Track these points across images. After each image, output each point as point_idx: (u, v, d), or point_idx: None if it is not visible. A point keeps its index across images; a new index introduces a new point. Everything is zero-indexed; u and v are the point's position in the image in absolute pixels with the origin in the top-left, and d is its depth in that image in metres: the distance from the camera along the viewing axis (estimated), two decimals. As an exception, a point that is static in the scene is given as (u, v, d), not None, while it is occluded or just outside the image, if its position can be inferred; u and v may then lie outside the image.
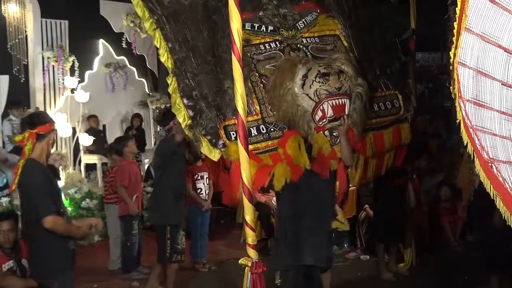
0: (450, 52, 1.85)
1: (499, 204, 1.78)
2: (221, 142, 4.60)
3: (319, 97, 4.64)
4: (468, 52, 1.78)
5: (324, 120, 4.69)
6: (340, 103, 4.67)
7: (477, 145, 1.75)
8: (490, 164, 1.75)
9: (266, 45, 5.09)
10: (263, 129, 4.77)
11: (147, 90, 11.52)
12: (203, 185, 7.02)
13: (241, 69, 3.71)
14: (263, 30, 5.15)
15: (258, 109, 4.81)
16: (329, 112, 4.65)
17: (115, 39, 10.96)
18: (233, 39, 3.65)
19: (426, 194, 7.73)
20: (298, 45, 5.15)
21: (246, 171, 3.72)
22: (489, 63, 1.79)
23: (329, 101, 4.63)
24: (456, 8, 1.79)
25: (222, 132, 4.61)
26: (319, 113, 4.67)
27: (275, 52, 5.08)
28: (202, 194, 6.99)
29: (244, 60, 4.73)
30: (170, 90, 4.71)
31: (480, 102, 1.77)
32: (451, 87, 1.87)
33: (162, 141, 6.41)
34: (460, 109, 1.78)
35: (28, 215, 3.92)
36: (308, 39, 5.25)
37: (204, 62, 4.76)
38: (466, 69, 1.78)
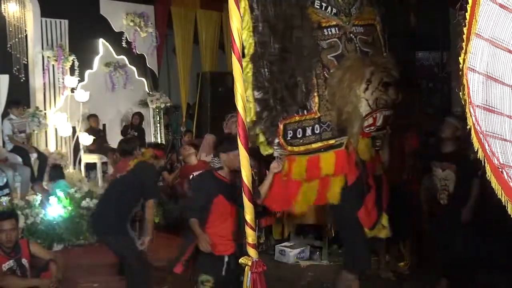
0: (460, 58, 1.85)
1: (510, 210, 1.78)
2: (276, 141, 4.45)
3: (377, 106, 4.57)
4: (478, 58, 1.78)
5: (373, 128, 4.66)
6: (389, 115, 4.69)
7: (488, 151, 1.75)
8: (500, 169, 1.75)
9: (328, 30, 4.76)
10: (317, 129, 4.60)
11: (147, 89, 11.50)
12: None
13: (241, 69, 3.70)
14: (328, 11, 4.77)
15: (317, 106, 4.58)
16: (380, 122, 4.62)
17: (115, 38, 10.94)
18: (233, 38, 3.62)
19: (426, 193, 7.70)
20: (351, 35, 4.88)
21: (246, 171, 3.73)
22: (499, 68, 1.78)
23: (382, 112, 4.59)
24: (466, 13, 1.79)
25: (281, 130, 4.43)
26: (370, 120, 4.62)
27: (335, 41, 4.78)
28: None
29: (313, 47, 4.56)
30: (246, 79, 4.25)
31: (490, 108, 1.77)
32: (460, 93, 1.87)
33: None
34: (470, 114, 1.78)
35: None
36: (356, 28, 4.96)
37: (281, 48, 4.37)
38: (476, 74, 1.78)
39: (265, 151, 4.54)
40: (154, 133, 11.48)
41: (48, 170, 8.86)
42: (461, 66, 1.86)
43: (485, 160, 1.81)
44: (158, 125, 11.49)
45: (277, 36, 4.36)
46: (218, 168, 4.64)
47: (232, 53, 3.66)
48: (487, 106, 1.78)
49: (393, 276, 6.38)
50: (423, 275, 6.28)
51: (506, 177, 1.75)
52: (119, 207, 5.39)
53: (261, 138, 4.47)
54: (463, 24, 1.83)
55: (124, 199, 5.43)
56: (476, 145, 1.83)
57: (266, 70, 4.34)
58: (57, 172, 8.73)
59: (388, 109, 4.63)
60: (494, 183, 1.80)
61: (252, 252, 3.76)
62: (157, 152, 5.98)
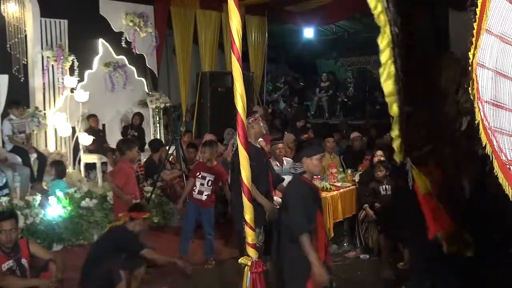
0: (469, 53, 1.85)
1: (517, 205, 1.78)
2: None
3: (463, 109, 4.25)
4: (487, 54, 1.78)
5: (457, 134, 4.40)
6: (471, 119, 4.40)
7: (496, 147, 1.75)
8: (508, 165, 1.75)
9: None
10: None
11: (146, 89, 11.50)
12: (199, 185, 6.91)
13: (240, 68, 3.69)
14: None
15: None
16: (464, 125, 4.32)
17: (114, 38, 10.93)
18: (233, 38, 3.61)
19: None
20: None
21: (246, 171, 3.73)
22: (508, 65, 1.78)
23: (467, 116, 4.20)
24: (476, 9, 1.79)
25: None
26: (456, 125, 4.33)
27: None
28: (198, 194, 6.93)
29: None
30: (385, 69, 3.47)
31: (498, 104, 1.77)
32: (469, 88, 1.86)
33: None
34: (479, 110, 1.78)
35: None
36: None
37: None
38: (485, 70, 1.78)
39: (401, 157, 3.78)
40: (154, 133, 11.47)
41: (52, 166, 8.85)
42: (470, 61, 1.85)
43: (493, 156, 1.80)
44: (158, 125, 11.48)
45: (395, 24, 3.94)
46: (302, 173, 4.42)
47: (232, 53, 3.66)
48: (495, 102, 1.77)
49: (393, 276, 6.37)
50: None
51: (513, 173, 1.75)
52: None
53: (397, 141, 3.74)
54: (473, 20, 1.82)
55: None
56: (484, 140, 1.82)
57: (398, 59, 3.59)
58: (61, 168, 8.76)
59: (470, 113, 4.38)
60: (502, 179, 1.79)
61: (251, 252, 3.77)
62: (134, 214, 5.70)
